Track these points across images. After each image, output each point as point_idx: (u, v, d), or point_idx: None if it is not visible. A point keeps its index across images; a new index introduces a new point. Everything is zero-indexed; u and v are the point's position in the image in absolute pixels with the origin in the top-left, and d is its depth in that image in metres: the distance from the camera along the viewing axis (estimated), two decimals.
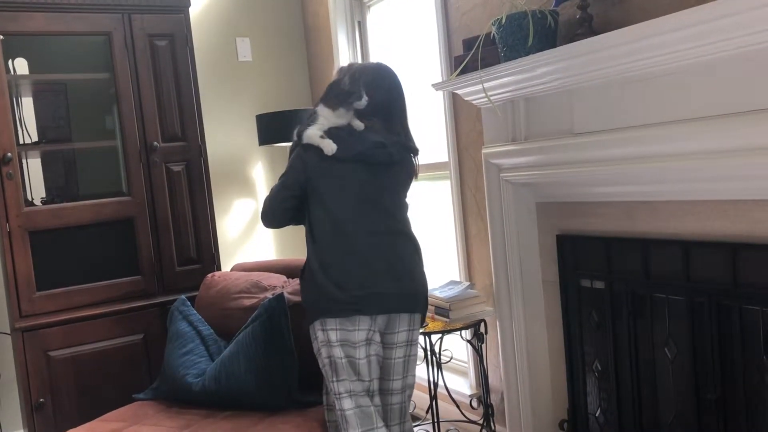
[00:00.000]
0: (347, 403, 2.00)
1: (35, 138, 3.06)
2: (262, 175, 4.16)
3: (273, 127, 3.53)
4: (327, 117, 2.06)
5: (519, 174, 2.46)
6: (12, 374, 3.27)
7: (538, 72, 2.15)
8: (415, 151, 2.23)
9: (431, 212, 3.50)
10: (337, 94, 2.06)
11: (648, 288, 2.15)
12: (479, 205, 2.95)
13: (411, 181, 2.24)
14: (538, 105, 2.34)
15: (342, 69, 2.20)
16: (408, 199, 2.25)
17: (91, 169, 3.25)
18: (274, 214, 2.19)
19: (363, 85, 2.06)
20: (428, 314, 2.70)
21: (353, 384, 2.01)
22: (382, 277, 2.06)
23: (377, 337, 2.06)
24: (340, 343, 2.00)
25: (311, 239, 2.10)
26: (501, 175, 2.53)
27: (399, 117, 2.18)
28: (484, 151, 2.58)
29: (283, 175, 2.16)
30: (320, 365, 2.06)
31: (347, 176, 2.05)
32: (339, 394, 2.01)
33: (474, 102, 2.53)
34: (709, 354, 1.98)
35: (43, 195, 3.07)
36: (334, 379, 2.01)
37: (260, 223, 4.16)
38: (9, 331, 3.08)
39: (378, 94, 2.10)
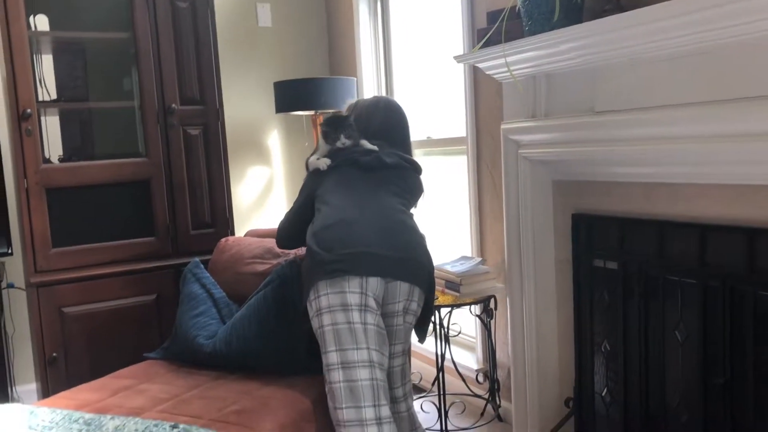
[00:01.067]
0: (335, 376, 1.93)
1: (54, 96, 3.06)
2: (277, 144, 4.16)
3: (290, 95, 3.52)
4: (322, 146, 2.37)
5: (537, 151, 2.45)
6: (26, 329, 3.32)
7: (563, 48, 2.12)
8: (416, 166, 2.38)
9: (446, 187, 3.50)
10: (327, 132, 2.36)
11: (661, 270, 2.15)
12: (495, 181, 2.94)
13: (415, 195, 2.36)
14: (560, 81, 2.32)
15: (349, 106, 2.52)
16: (413, 210, 2.32)
17: (107, 130, 3.26)
18: (290, 236, 2.41)
19: (362, 117, 2.39)
20: (438, 288, 2.71)
21: (344, 354, 1.93)
22: (376, 241, 2.04)
23: (373, 304, 1.98)
24: (331, 308, 1.95)
25: (310, 229, 2.13)
26: (519, 151, 2.52)
27: (400, 140, 2.41)
28: (503, 126, 2.57)
29: (295, 202, 2.39)
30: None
31: (344, 175, 2.25)
32: (328, 366, 1.96)
33: (495, 76, 2.50)
34: (720, 339, 1.98)
35: (61, 153, 3.09)
36: (324, 350, 1.97)
37: (274, 191, 4.19)
38: (24, 287, 3.12)
39: (374, 121, 2.39)
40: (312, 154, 2.40)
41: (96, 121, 3.21)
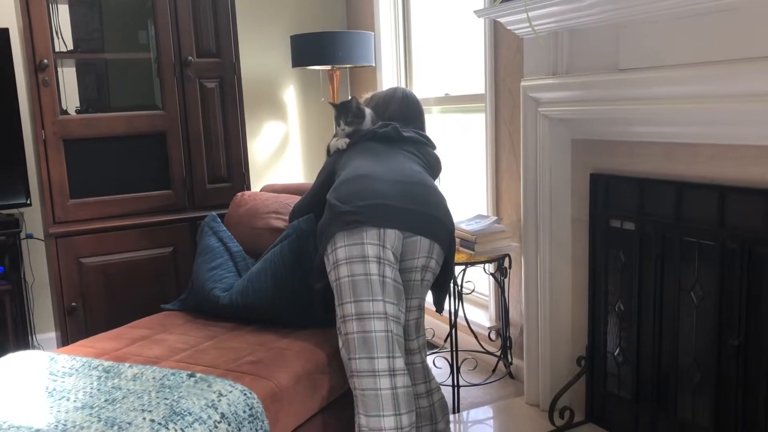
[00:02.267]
0: (350, 327, 1.95)
1: (70, 47, 3.05)
2: (293, 98, 4.13)
3: (307, 49, 3.48)
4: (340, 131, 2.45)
5: (557, 109, 2.41)
6: (46, 279, 3.37)
7: (587, 2, 2.07)
8: (432, 143, 2.45)
9: (463, 145, 3.47)
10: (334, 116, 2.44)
11: (679, 231, 2.13)
12: (513, 139, 2.91)
13: (435, 170, 2.41)
14: (582, 38, 2.27)
15: (366, 98, 2.58)
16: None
17: (123, 82, 3.25)
18: (310, 210, 2.46)
19: (380, 105, 2.50)
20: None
21: (359, 305, 1.94)
22: (395, 195, 2.04)
23: (391, 257, 1.98)
24: (348, 260, 1.96)
25: (329, 190, 2.16)
26: (538, 109, 2.49)
27: (414, 122, 2.48)
28: (523, 83, 2.53)
29: (314, 184, 2.46)
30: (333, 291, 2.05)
31: (363, 147, 2.30)
32: (344, 317, 1.97)
33: (516, 32, 2.46)
34: (736, 300, 1.97)
35: (77, 105, 3.09)
36: (339, 302, 1.99)
37: (290, 147, 4.19)
38: (43, 237, 3.16)
39: (391, 107, 2.48)
40: (332, 138, 2.48)
41: (112, 73, 3.19)
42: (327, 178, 2.38)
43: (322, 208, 2.35)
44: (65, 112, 2.94)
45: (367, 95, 2.63)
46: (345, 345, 1.99)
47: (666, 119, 2.04)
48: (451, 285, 2.83)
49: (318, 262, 2.12)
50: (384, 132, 2.33)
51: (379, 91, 2.61)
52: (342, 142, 2.37)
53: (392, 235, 1.99)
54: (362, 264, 1.95)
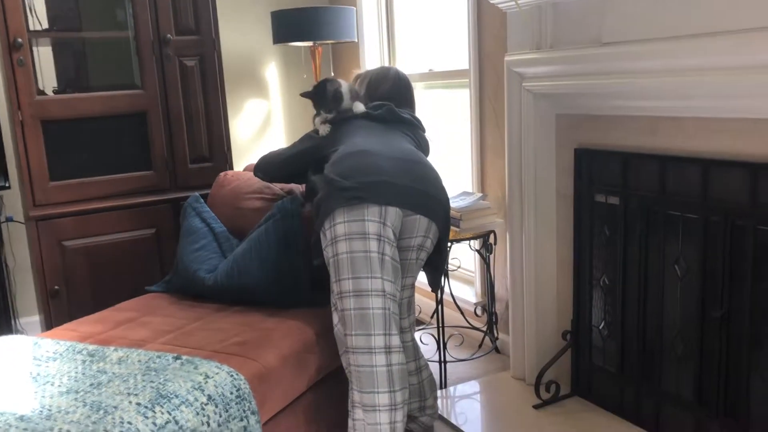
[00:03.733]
0: (347, 303, 1.94)
1: (45, 25, 2.98)
2: (275, 76, 4.08)
3: (288, 25, 3.43)
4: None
5: (541, 84, 2.40)
6: (27, 262, 3.33)
7: None
8: (423, 126, 2.41)
9: (447, 121, 3.45)
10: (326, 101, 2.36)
11: (663, 205, 2.14)
12: (497, 114, 2.90)
13: (426, 153, 2.38)
14: (566, 11, 2.25)
15: (358, 76, 2.54)
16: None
17: (102, 61, 3.19)
18: (274, 173, 2.49)
19: (372, 84, 2.44)
20: None
21: (357, 282, 1.93)
22: (396, 173, 2.02)
23: (391, 235, 1.96)
24: (348, 236, 1.93)
25: (328, 164, 2.12)
26: (523, 84, 2.47)
27: (406, 103, 2.43)
28: (506, 58, 2.51)
29: (297, 143, 2.42)
30: (328, 267, 2.03)
31: (357, 125, 2.26)
32: (341, 293, 1.96)
33: (500, 6, 2.43)
34: (720, 273, 1.98)
35: (55, 85, 3.03)
36: (336, 278, 1.97)
37: (272, 125, 4.14)
38: (23, 220, 3.11)
39: (383, 87, 2.42)
40: (316, 115, 2.40)
41: (90, 53, 3.13)
42: (311, 149, 2.34)
43: (295, 173, 2.42)
44: (42, 93, 2.88)
45: (359, 72, 2.59)
46: (341, 321, 1.99)
47: (650, 93, 2.04)
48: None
49: (315, 239, 2.09)
50: (379, 114, 2.29)
51: (371, 69, 2.57)
52: (324, 130, 2.30)
53: (393, 213, 1.97)
54: (362, 241, 1.93)
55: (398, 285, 2.02)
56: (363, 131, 2.22)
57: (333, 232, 1.96)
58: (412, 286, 2.21)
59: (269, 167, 2.50)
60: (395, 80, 2.45)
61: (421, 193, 2.04)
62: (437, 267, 2.25)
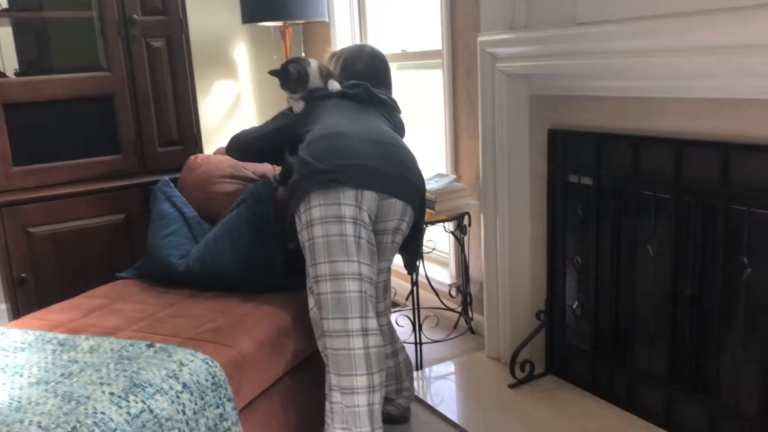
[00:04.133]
0: (324, 287, 1.93)
1: (4, 5, 2.88)
2: (245, 56, 4.01)
3: (257, 5, 3.36)
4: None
5: (515, 64, 2.39)
6: None
7: None
8: (399, 107, 2.37)
9: (420, 103, 3.43)
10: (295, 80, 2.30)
11: (636, 185, 2.16)
12: (471, 96, 2.89)
13: (401, 134, 2.35)
14: None
15: (333, 54, 2.49)
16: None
17: (65, 42, 3.10)
18: (247, 152, 2.45)
19: (348, 62, 2.39)
20: None
21: (333, 266, 1.91)
22: (372, 156, 1.99)
23: (367, 219, 1.95)
24: (323, 220, 1.91)
25: (302, 145, 2.08)
26: (496, 65, 2.46)
27: (383, 84, 2.39)
28: (480, 38, 2.49)
29: (270, 122, 2.38)
30: (303, 252, 2.01)
31: (333, 104, 2.22)
32: (317, 277, 1.94)
33: None
34: (691, 252, 2.01)
35: (16, 67, 2.94)
36: (312, 261, 1.95)
37: (242, 107, 4.08)
38: None
39: (359, 65, 2.38)
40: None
41: (53, 34, 3.04)
42: (284, 127, 2.31)
43: (269, 153, 2.39)
44: (3, 75, 2.79)
45: (334, 50, 2.54)
46: (317, 305, 1.97)
47: (623, 73, 2.05)
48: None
49: (290, 222, 2.07)
50: (355, 93, 2.25)
51: (347, 47, 2.52)
52: (298, 107, 2.28)
53: (369, 197, 1.95)
54: (338, 224, 1.91)
55: (374, 268, 2.01)
56: (338, 111, 2.19)
57: (308, 216, 1.94)
58: (388, 269, 2.21)
59: (242, 146, 2.46)
60: (371, 58, 2.40)
61: (398, 177, 2.02)
62: (413, 250, 2.24)
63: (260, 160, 2.52)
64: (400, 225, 2.08)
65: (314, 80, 2.29)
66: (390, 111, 2.31)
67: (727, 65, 1.74)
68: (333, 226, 1.91)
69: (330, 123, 2.11)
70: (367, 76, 2.35)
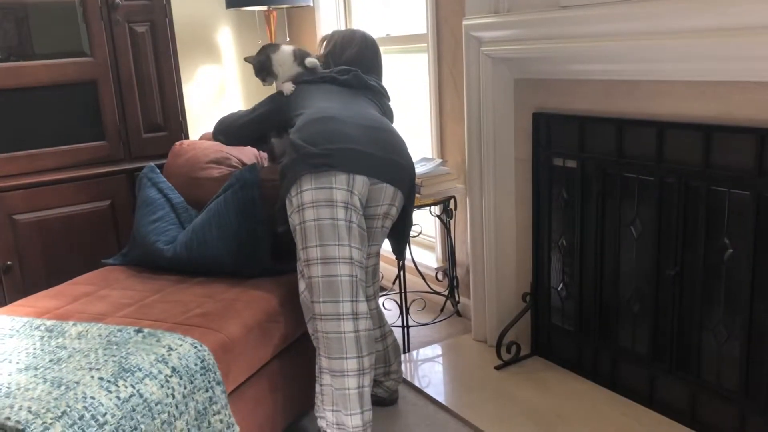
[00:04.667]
0: (314, 271, 1.94)
1: None
2: (229, 41, 3.99)
3: None
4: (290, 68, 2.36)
5: (499, 48, 2.40)
6: None
7: None
8: (388, 95, 2.37)
9: (405, 87, 3.43)
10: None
11: (619, 168, 2.18)
12: (456, 80, 2.90)
13: (390, 120, 2.35)
14: None
15: (324, 38, 2.48)
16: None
17: (46, 28, 3.06)
18: (237, 135, 2.45)
19: (337, 47, 2.39)
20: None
21: (324, 250, 1.92)
22: (363, 140, 2.00)
23: (358, 203, 1.96)
24: (315, 204, 1.92)
25: (293, 129, 2.08)
26: (481, 48, 2.47)
27: (373, 71, 2.38)
28: (464, 22, 2.50)
29: (259, 106, 2.37)
30: (293, 235, 2.02)
31: (323, 88, 2.23)
32: (308, 261, 1.95)
33: None
34: (674, 233, 2.04)
35: None
36: (303, 245, 1.96)
37: (227, 92, 4.05)
38: None
39: (348, 52, 2.36)
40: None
41: (33, 19, 3.00)
42: (274, 111, 2.30)
43: (258, 137, 2.42)
44: None
45: (326, 33, 2.52)
46: (308, 288, 1.99)
47: (606, 56, 2.06)
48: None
49: (280, 205, 2.07)
50: (345, 79, 2.25)
51: (339, 30, 2.50)
52: (287, 88, 2.28)
53: (360, 182, 1.96)
54: (329, 208, 1.92)
55: (365, 252, 2.03)
56: (329, 95, 2.19)
57: (300, 199, 1.94)
58: (377, 254, 2.22)
59: (231, 130, 2.45)
60: (361, 45, 2.38)
61: (389, 162, 2.03)
62: (402, 235, 2.25)
63: (249, 145, 2.52)
64: (390, 210, 2.10)
65: (287, 65, 2.30)
66: (379, 97, 2.31)
67: (711, 48, 1.76)
68: (324, 210, 1.92)
69: (321, 107, 2.10)
70: (357, 61, 2.34)
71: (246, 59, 2.37)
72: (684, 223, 2.01)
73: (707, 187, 1.93)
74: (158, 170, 2.60)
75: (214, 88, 3.99)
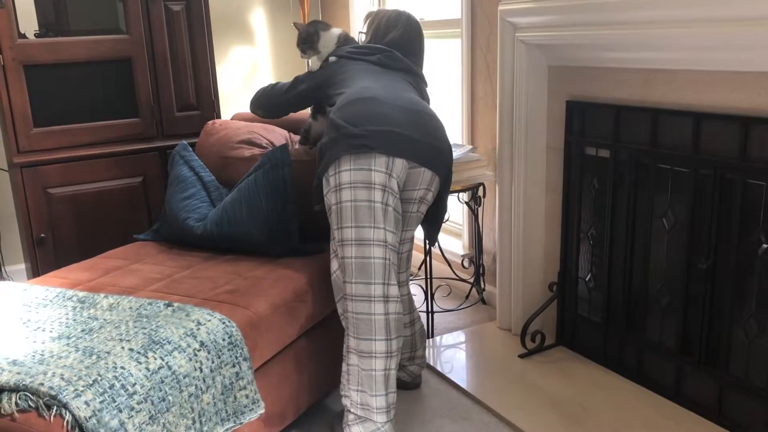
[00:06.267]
0: (348, 252, 1.94)
1: None
2: (262, 22, 4.00)
3: None
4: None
5: (535, 34, 2.37)
6: (10, 210, 3.30)
7: None
8: (425, 79, 2.36)
9: (438, 72, 3.41)
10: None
11: (653, 158, 2.15)
12: (489, 66, 2.87)
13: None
14: None
15: (369, 14, 2.45)
16: None
17: (83, 4, 3.10)
18: (275, 109, 2.47)
19: (381, 27, 2.36)
20: None
21: (360, 231, 1.92)
22: (404, 123, 1.98)
23: (395, 187, 1.95)
24: (353, 185, 1.91)
25: (334, 108, 2.07)
26: (516, 34, 2.44)
27: (413, 55, 2.35)
28: (500, 7, 2.47)
29: (299, 82, 2.36)
30: (328, 214, 2.01)
31: (364, 69, 2.21)
32: (342, 241, 1.95)
33: None
34: (707, 226, 2.01)
35: (36, 29, 2.94)
36: (338, 225, 1.95)
37: (259, 73, 4.06)
38: (7, 168, 3.06)
39: (391, 34, 2.33)
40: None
41: None
42: (313, 89, 2.30)
43: (294, 111, 2.45)
44: (23, 37, 2.80)
45: (372, 10, 2.50)
46: (341, 268, 1.99)
47: (645, 44, 2.03)
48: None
49: (317, 183, 2.07)
50: (378, 59, 2.24)
51: (383, 9, 2.47)
52: (314, 64, 2.30)
53: (400, 165, 1.95)
54: (367, 190, 1.91)
55: (398, 236, 2.02)
56: (369, 75, 2.17)
57: (338, 179, 1.94)
58: (411, 240, 2.21)
59: (270, 106, 2.46)
60: (406, 27, 2.35)
61: (428, 146, 2.01)
62: (435, 220, 2.24)
63: (285, 115, 2.55)
64: (426, 195, 2.09)
65: (329, 47, 2.32)
66: (418, 81, 2.29)
67: (754, 38, 1.72)
68: (362, 192, 1.92)
69: (363, 87, 2.09)
70: (399, 44, 2.31)
71: (295, 24, 2.37)
72: (718, 216, 1.98)
73: (743, 180, 1.89)
74: (190, 148, 2.63)
75: (247, 69, 4.01)
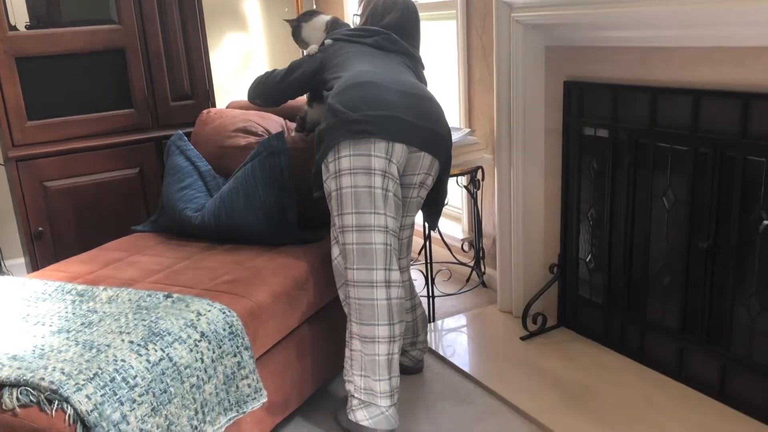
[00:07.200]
0: (349, 238, 1.94)
1: None
2: (257, 10, 3.96)
3: None
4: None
5: (531, 14, 2.35)
6: (8, 204, 3.29)
7: None
8: (422, 62, 2.35)
9: (433, 54, 3.39)
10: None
11: (653, 137, 2.13)
12: (485, 47, 2.85)
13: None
14: None
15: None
16: None
17: None
18: (274, 98, 2.43)
19: (377, 10, 2.33)
20: None
21: (360, 217, 1.91)
22: (404, 107, 1.96)
23: (395, 172, 1.94)
24: (352, 171, 1.90)
25: (331, 92, 2.05)
26: (512, 14, 2.42)
27: (410, 36, 2.34)
28: None
29: (295, 68, 2.32)
30: (328, 201, 2.01)
31: (361, 51, 2.20)
32: (342, 227, 1.95)
33: None
34: (707, 204, 2.00)
35: (27, 21, 2.91)
36: (339, 212, 1.95)
37: (254, 61, 4.03)
38: (2, 162, 3.05)
39: (388, 17, 2.31)
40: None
41: None
42: (310, 74, 2.28)
43: (288, 98, 2.43)
44: (14, 29, 2.77)
45: None
46: (342, 254, 1.99)
47: (642, 22, 2.00)
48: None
49: (315, 170, 2.06)
50: (375, 41, 2.22)
51: None
52: (313, 50, 2.29)
53: (399, 150, 1.94)
54: (367, 176, 1.90)
55: (399, 222, 2.02)
56: (367, 59, 2.16)
57: (337, 165, 1.93)
58: (412, 226, 2.21)
59: (268, 94, 2.42)
60: (403, 10, 2.33)
61: (428, 131, 2.00)
62: (435, 204, 2.23)
63: (284, 102, 2.52)
64: (426, 179, 2.08)
65: (315, 36, 2.34)
66: (415, 63, 2.28)
67: (754, 13, 1.70)
68: (362, 178, 1.90)
69: (360, 71, 2.07)
70: (396, 27, 2.30)
71: (286, 20, 2.38)
72: (718, 195, 1.97)
73: (744, 157, 1.88)
74: (186, 138, 2.61)
75: (241, 57, 3.98)
